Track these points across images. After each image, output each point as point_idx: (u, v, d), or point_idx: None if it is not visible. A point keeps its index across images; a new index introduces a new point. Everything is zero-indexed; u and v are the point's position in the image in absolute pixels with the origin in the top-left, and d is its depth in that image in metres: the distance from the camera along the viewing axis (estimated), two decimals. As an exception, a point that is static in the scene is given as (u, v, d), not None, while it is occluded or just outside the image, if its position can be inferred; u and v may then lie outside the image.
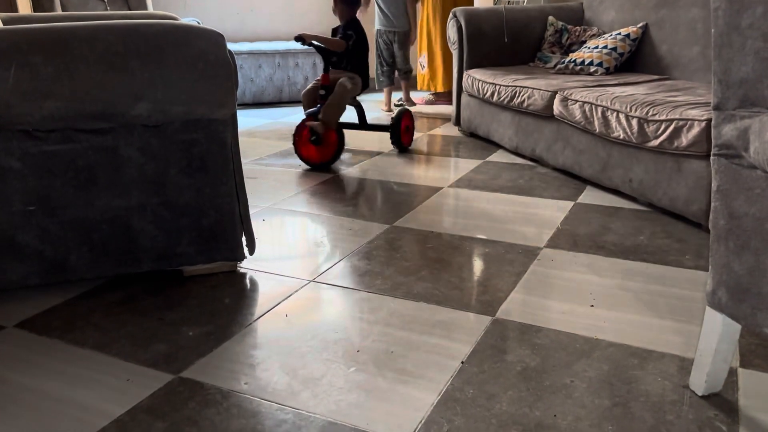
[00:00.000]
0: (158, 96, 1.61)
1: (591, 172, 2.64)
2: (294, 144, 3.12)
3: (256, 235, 1.93)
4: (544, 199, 2.55)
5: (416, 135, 3.83)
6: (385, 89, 4.73)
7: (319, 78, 3.14)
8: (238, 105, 4.79)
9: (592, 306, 1.65)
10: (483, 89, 3.34)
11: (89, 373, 1.38)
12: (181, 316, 1.62)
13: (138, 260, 1.75)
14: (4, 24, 2.05)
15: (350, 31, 3.13)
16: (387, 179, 2.88)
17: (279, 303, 1.70)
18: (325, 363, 1.41)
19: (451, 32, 3.67)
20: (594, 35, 3.47)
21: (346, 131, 3.23)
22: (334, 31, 3.26)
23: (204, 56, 1.64)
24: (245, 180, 1.86)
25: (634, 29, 3.17)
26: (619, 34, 3.21)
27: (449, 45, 3.78)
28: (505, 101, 3.13)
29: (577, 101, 2.63)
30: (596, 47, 3.22)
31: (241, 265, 1.93)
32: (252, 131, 4.02)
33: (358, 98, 3.28)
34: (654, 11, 3.12)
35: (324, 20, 3.37)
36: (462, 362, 1.40)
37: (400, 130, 3.35)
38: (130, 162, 1.67)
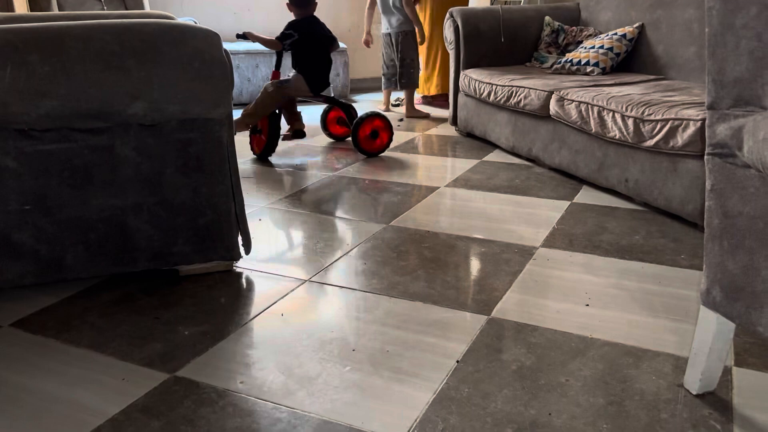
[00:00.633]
0: (154, 95, 1.61)
1: (587, 172, 2.65)
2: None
3: (252, 235, 1.93)
4: (540, 198, 2.55)
5: (413, 135, 3.83)
6: (384, 90, 4.64)
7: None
8: (235, 105, 4.80)
9: (588, 305, 1.65)
10: (480, 89, 3.35)
11: (85, 373, 1.37)
12: (177, 316, 1.62)
13: (134, 259, 1.75)
14: (0, 23, 2.04)
15: (291, 30, 3.13)
16: (383, 178, 2.88)
17: (275, 302, 1.70)
18: (321, 362, 1.41)
19: (448, 32, 3.67)
20: (590, 35, 3.48)
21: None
22: None
23: (200, 56, 1.64)
24: (242, 179, 1.86)
25: (630, 29, 3.18)
26: (616, 34, 3.21)
27: (446, 45, 3.78)
28: (502, 101, 3.14)
29: (573, 101, 2.63)
30: (592, 47, 3.23)
31: (237, 264, 1.93)
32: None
33: (348, 99, 3.33)
34: (650, 11, 3.13)
35: (320, 18, 3.41)
36: (457, 361, 1.40)
37: (358, 133, 3.23)
38: (126, 161, 1.67)
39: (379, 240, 2.13)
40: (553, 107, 2.77)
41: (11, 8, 3.74)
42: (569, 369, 1.37)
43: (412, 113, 4.40)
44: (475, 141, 3.62)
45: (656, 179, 2.27)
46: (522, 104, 2.98)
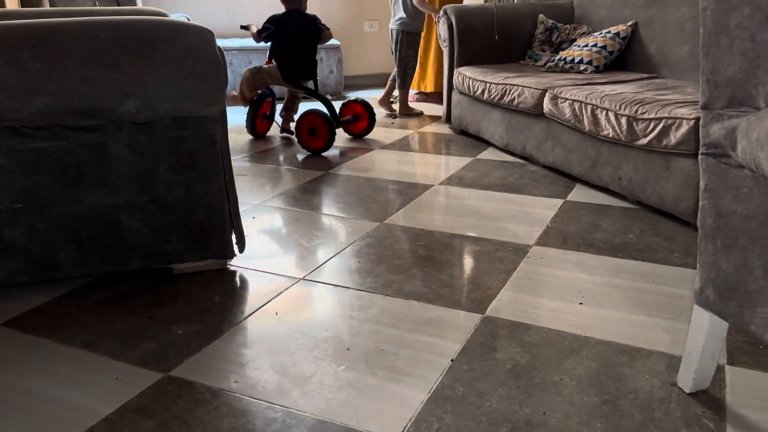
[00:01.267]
0: (147, 93, 1.60)
1: (580, 170, 2.65)
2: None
3: (246, 233, 1.92)
4: (533, 197, 2.55)
5: (406, 132, 3.83)
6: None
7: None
8: (228, 102, 4.78)
9: (581, 304, 1.66)
10: (473, 87, 3.35)
11: (77, 372, 1.37)
12: (171, 315, 1.62)
13: (127, 258, 1.74)
14: (-10, 19, 2.02)
15: (268, 23, 3.35)
16: (377, 177, 2.88)
17: (269, 301, 1.69)
18: (315, 361, 1.41)
19: (442, 29, 3.67)
20: (584, 33, 3.48)
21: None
22: None
23: (193, 53, 1.63)
24: (235, 177, 1.85)
25: (624, 28, 3.18)
26: (609, 32, 3.22)
27: (440, 42, 3.78)
28: (496, 99, 3.14)
29: (566, 99, 2.64)
30: (586, 45, 3.23)
31: (230, 263, 1.92)
32: (242, 128, 4.01)
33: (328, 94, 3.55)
34: (643, 10, 3.13)
35: (316, 14, 3.44)
36: (452, 360, 1.40)
37: (300, 130, 3.32)
38: (119, 159, 1.66)
39: (374, 238, 2.13)
40: (546, 105, 2.78)
41: (2, 4, 3.71)
42: (563, 368, 1.37)
43: (406, 112, 4.37)
44: (469, 139, 3.62)
45: (649, 178, 2.27)
46: (516, 102, 2.99)
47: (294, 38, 3.37)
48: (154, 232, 1.74)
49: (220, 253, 1.84)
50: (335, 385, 1.32)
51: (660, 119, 2.18)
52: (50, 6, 4.05)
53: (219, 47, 1.70)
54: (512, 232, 2.16)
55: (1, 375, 1.36)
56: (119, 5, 4.30)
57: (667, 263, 1.90)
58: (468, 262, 1.95)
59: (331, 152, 3.37)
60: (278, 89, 4.10)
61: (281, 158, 3.24)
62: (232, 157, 1.82)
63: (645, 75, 3.01)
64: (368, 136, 3.70)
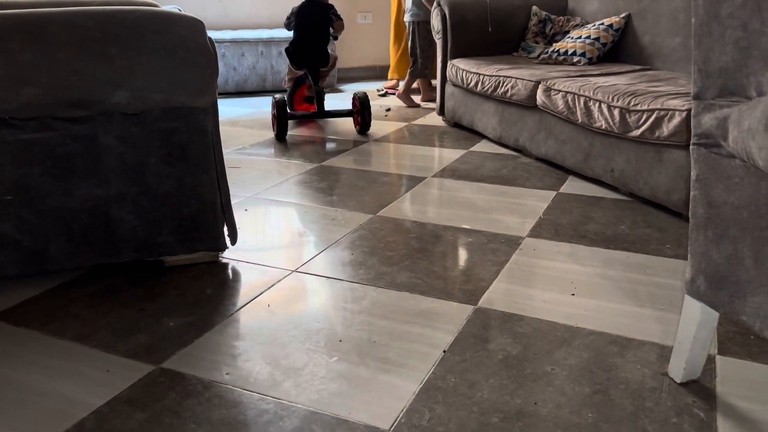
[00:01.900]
0: (137, 83, 1.59)
1: (573, 162, 2.65)
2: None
3: (238, 225, 1.92)
4: (526, 188, 2.56)
5: (400, 125, 3.82)
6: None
7: None
8: (221, 94, 4.76)
9: (573, 295, 1.66)
10: (467, 79, 3.34)
11: (69, 365, 1.36)
12: (162, 307, 1.61)
13: (118, 250, 1.73)
14: (-21, 10, 2.00)
15: (290, 14, 3.61)
16: (370, 169, 2.88)
17: (261, 293, 1.69)
18: (307, 353, 1.41)
19: (436, 21, 3.65)
20: (577, 25, 3.47)
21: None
22: None
23: (184, 43, 1.62)
24: (227, 169, 1.84)
25: (617, 19, 3.18)
26: (602, 24, 3.22)
27: (433, 34, 3.77)
28: (489, 91, 3.13)
29: (560, 91, 2.64)
30: (579, 37, 3.23)
31: (222, 255, 1.92)
32: (235, 120, 3.99)
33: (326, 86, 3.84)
34: (637, 1, 3.13)
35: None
36: (444, 351, 1.41)
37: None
38: (109, 151, 1.65)
39: (366, 230, 2.12)
40: (539, 97, 2.77)
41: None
42: (555, 358, 1.38)
43: (405, 100, 4.43)
44: (462, 131, 3.62)
45: (642, 169, 2.28)
46: (509, 94, 2.98)
47: (305, 28, 3.56)
48: (146, 224, 1.73)
49: (212, 245, 1.84)
50: (327, 377, 1.31)
51: (652, 111, 2.18)
52: (40, -3, 4.01)
53: (210, 38, 1.68)
54: (505, 224, 2.16)
55: (-9, 367, 1.35)
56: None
57: (659, 254, 1.91)
58: (461, 254, 1.95)
59: (325, 145, 3.36)
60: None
61: (274, 150, 3.23)
62: (224, 150, 1.81)
63: (638, 67, 3.01)
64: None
